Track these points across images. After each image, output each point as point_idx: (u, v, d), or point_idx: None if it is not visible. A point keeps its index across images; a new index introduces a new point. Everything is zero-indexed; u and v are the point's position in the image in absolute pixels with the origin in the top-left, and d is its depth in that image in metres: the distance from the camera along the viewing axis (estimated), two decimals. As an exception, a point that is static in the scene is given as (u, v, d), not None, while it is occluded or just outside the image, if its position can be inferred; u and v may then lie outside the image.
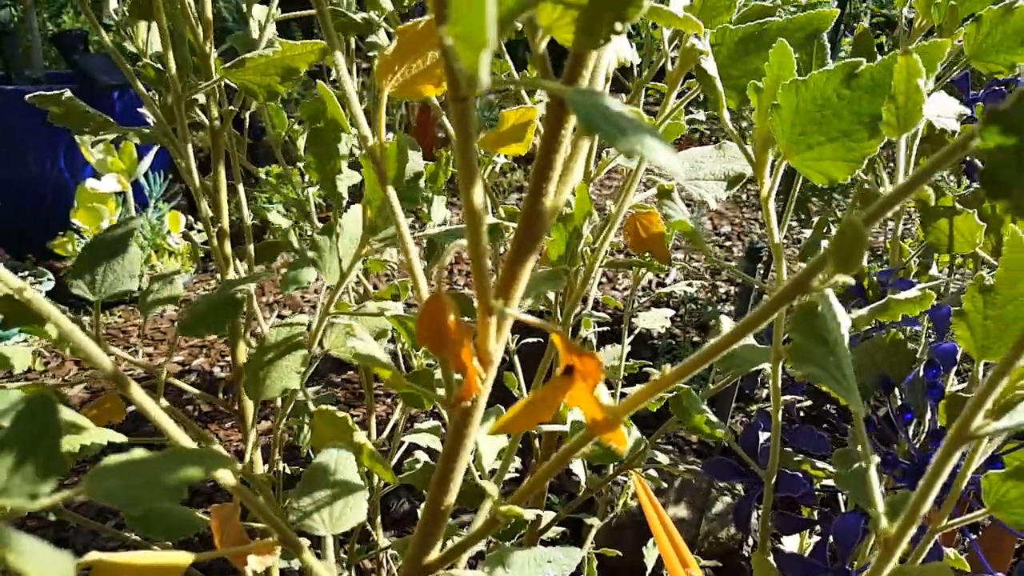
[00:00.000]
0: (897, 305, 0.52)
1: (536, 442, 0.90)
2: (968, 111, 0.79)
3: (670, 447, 1.68)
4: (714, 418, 0.58)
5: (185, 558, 0.38)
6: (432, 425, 0.92)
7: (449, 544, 0.40)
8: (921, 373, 0.64)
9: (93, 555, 0.38)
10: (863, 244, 0.29)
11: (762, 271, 1.60)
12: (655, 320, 1.12)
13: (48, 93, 0.64)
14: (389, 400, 1.92)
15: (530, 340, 1.25)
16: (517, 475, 1.06)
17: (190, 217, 2.63)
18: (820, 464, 0.66)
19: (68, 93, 0.65)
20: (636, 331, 1.13)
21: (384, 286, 1.05)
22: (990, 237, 0.74)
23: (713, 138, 3.60)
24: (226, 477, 0.40)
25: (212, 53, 0.67)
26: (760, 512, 0.62)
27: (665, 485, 1.44)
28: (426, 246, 1.00)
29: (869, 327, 0.75)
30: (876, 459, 0.61)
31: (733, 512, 0.69)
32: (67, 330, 0.37)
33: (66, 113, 0.66)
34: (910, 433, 0.65)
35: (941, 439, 0.61)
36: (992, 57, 0.62)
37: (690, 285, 1.38)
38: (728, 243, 3.16)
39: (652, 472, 1.07)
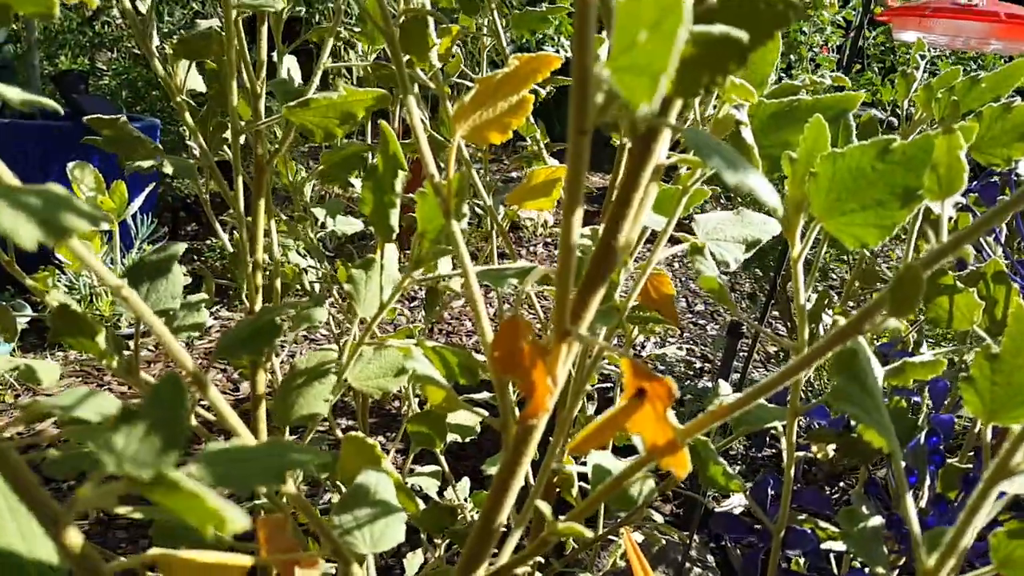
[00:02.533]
0: (912, 369, 0.55)
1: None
2: (963, 200, 0.85)
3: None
4: (730, 470, 0.61)
5: (246, 560, 0.39)
6: (432, 470, 0.93)
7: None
8: (922, 441, 0.67)
9: (156, 551, 0.39)
10: (920, 288, 0.32)
11: (746, 347, 1.64)
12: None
13: (104, 117, 0.67)
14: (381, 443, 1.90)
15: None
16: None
17: (174, 260, 2.62)
18: (824, 524, 0.68)
19: (123, 118, 0.67)
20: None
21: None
22: (985, 316, 0.78)
23: (730, 205, 3.71)
24: (289, 487, 0.41)
25: (263, 94, 0.70)
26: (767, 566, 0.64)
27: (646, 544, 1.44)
28: (425, 294, 1.02)
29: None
30: (880, 520, 0.64)
31: (741, 568, 0.71)
32: (159, 331, 0.39)
33: (117, 138, 0.68)
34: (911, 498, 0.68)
35: (943, 505, 0.64)
36: (991, 150, 0.68)
37: (680, 348, 1.42)
38: (703, 321, 3.22)
39: (637, 536, 1.08)
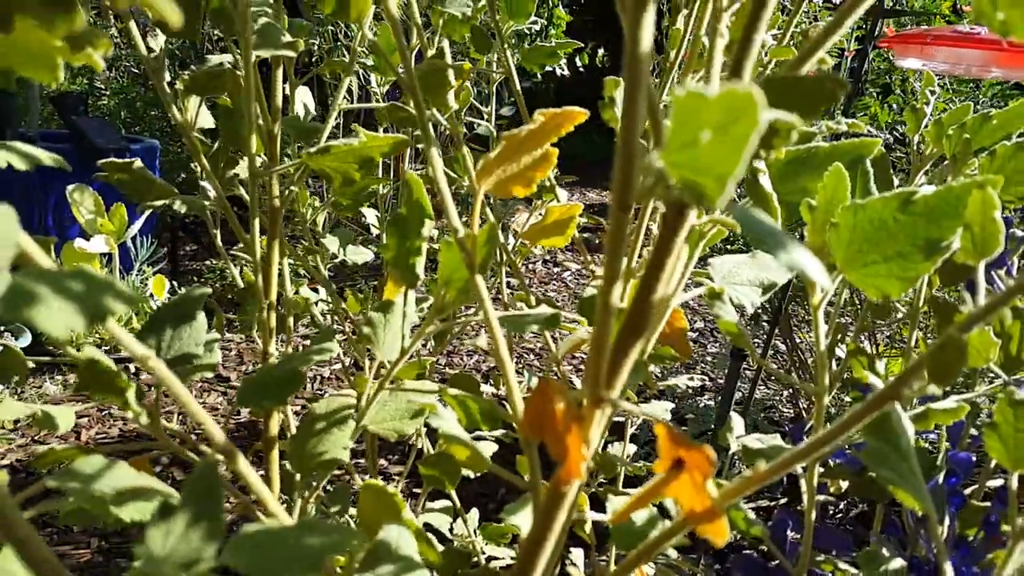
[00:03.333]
0: (935, 415, 0.55)
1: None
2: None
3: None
4: (752, 515, 0.61)
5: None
6: (444, 505, 0.92)
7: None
8: (941, 481, 0.67)
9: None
10: (964, 359, 0.32)
11: (753, 371, 1.64)
12: (656, 412, 1.14)
13: (119, 160, 0.67)
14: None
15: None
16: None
17: (174, 283, 2.61)
18: (843, 565, 0.68)
19: (138, 162, 0.67)
20: (638, 423, 1.15)
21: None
22: (1001, 353, 0.78)
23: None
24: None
25: (279, 136, 0.70)
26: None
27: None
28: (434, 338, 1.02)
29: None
30: (902, 562, 0.64)
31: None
32: (185, 400, 0.38)
33: (132, 181, 0.68)
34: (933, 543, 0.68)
35: (964, 548, 0.64)
36: (1005, 189, 0.68)
37: (691, 378, 1.41)
38: (702, 339, 3.22)
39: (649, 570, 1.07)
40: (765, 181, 0.55)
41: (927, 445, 0.78)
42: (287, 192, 0.71)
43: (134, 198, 0.70)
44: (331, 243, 1.04)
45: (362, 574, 0.49)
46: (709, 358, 2.99)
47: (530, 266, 3.88)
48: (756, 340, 2.70)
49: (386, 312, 0.65)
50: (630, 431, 1.02)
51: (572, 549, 1.08)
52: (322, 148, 0.58)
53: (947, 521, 0.68)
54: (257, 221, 0.65)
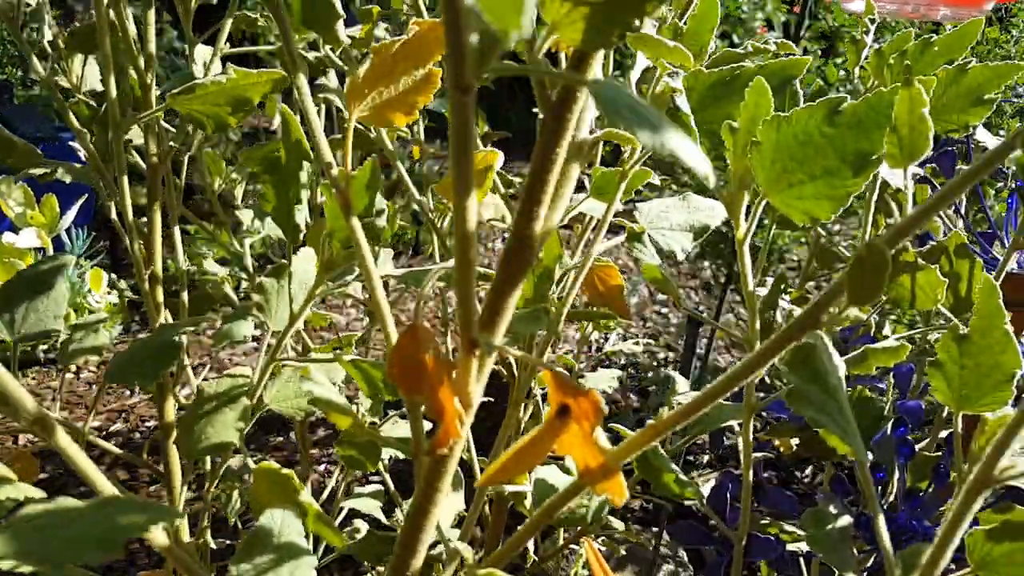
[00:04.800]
0: (874, 356, 0.51)
1: (487, 508, 0.85)
2: (920, 171, 0.80)
3: (612, 515, 1.64)
4: (684, 477, 0.55)
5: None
6: (374, 489, 0.86)
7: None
8: (889, 431, 0.62)
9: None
10: (885, 271, 0.27)
11: (706, 337, 1.60)
12: (602, 381, 1.09)
13: (-31, 119, 0.59)
14: (323, 467, 1.83)
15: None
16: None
17: (113, 275, 2.50)
18: (790, 527, 0.64)
19: (-7, 121, 0.60)
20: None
21: (322, 344, 1.00)
22: (949, 294, 0.74)
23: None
24: (159, 537, 0.35)
25: (153, 85, 0.63)
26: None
27: (613, 552, 1.39)
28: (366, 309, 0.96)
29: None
30: (848, 520, 0.59)
31: (685, 563, 0.66)
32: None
33: (-10, 142, 0.61)
34: (881, 494, 0.63)
35: (915, 501, 0.60)
36: (946, 116, 0.63)
37: (636, 343, 1.37)
38: (665, 310, 3.19)
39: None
40: (682, 101, 0.50)
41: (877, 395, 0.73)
42: (169, 148, 0.63)
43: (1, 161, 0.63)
44: (245, 215, 0.97)
45: (237, 564, 0.43)
46: (672, 329, 2.97)
47: (489, 245, 3.81)
48: (709, 309, 2.68)
49: (279, 277, 0.59)
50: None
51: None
52: (187, 88, 0.51)
53: (896, 473, 0.63)
54: (125, 179, 0.58)
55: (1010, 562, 0.48)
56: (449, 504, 0.58)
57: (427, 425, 0.50)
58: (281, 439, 1.97)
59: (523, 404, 0.64)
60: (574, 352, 2.28)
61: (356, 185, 0.45)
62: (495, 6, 0.16)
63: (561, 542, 0.95)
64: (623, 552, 1.39)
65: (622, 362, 2.33)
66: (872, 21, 0.75)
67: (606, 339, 2.45)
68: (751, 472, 0.56)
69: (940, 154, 0.76)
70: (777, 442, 0.72)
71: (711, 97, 0.52)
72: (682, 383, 0.83)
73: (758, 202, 0.45)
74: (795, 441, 0.73)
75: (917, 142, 0.37)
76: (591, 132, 0.36)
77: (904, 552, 0.36)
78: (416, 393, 0.32)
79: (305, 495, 0.52)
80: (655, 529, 1.66)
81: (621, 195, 0.56)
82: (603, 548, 1.17)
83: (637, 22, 0.25)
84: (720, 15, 0.65)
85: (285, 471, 0.53)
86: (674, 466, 0.56)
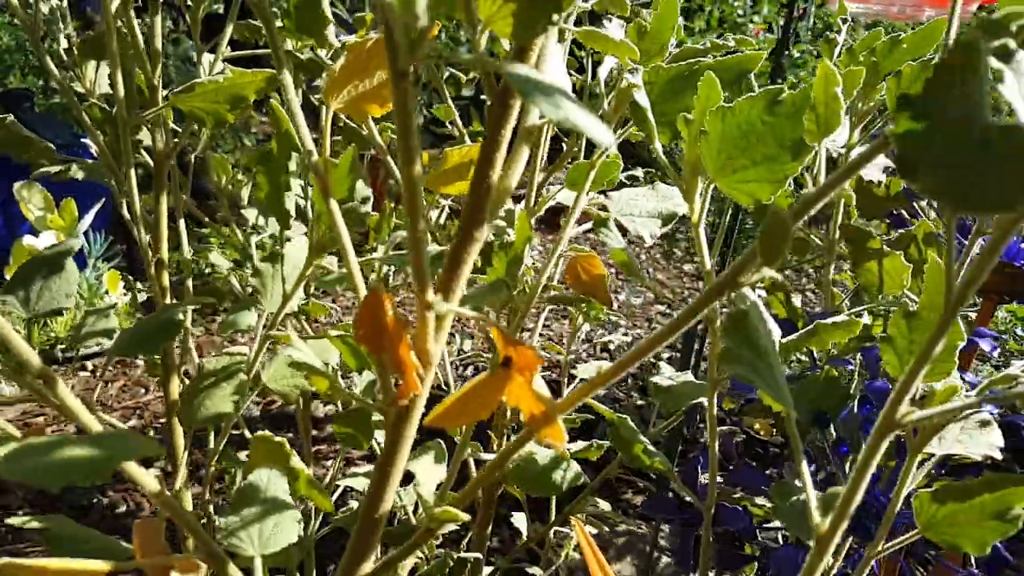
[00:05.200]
0: (825, 330, 0.54)
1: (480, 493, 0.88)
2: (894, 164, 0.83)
3: (612, 505, 1.67)
4: (652, 448, 0.59)
5: (102, 566, 0.37)
6: (369, 470, 0.90)
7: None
8: (855, 409, 0.65)
9: (3, 560, 0.36)
10: (788, 234, 0.30)
11: (701, 330, 1.62)
12: (591, 371, 1.13)
13: (-11, 117, 0.64)
14: (329, 463, 1.87)
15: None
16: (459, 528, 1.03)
17: (130, 277, 2.57)
18: (761, 500, 0.67)
19: (11, 117, 0.65)
20: (577, 381, 1.13)
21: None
22: (917, 280, 0.77)
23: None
24: (151, 484, 0.39)
25: (160, 86, 0.67)
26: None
27: (611, 537, 1.42)
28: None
29: (808, 369, 0.77)
30: (810, 486, 0.62)
31: (675, 549, 0.69)
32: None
33: (6, 138, 0.65)
34: (847, 467, 0.66)
35: (875, 475, 0.63)
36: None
37: (626, 335, 1.40)
38: (670, 311, 3.22)
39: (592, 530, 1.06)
40: (641, 96, 0.53)
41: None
42: (174, 144, 0.68)
43: (13, 156, 0.67)
44: (250, 213, 1.01)
45: (227, 516, 0.47)
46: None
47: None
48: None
49: (275, 262, 0.63)
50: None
51: (514, 513, 1.06)
52: (187, 87, 0.55)
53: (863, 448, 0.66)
54: (133, 172, 0.62)
55: (952, 522, 0.51)
56: (430, 473, 0.62)
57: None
58: (291, 435, 2.02)
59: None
60: (577, 350, 2.31)
61: (337, 173, 0.49)
62: (397, 2, 0.20)
63: (554, 518, 0.98)
64: (619, 544, 1.42)
65: (617, 350, 2.36)
66: (844, 21, 0.78)
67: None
68: (717, 445, 0.59)
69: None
70: (757, 426, 0.75)
71: (670, 91, 0.56)
72: (665, 368, 0.86)
73: (707, 186, 0.49)
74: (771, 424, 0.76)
75: (831, 119, 0.40)
76: (541, 118, 0.40)
77: (822, 495, 0.40)
78: (380, 351, 0.36)
79: (296, 461, 0.56)
80: (654, 523, 1.68)
81: (590, 185, 0.59)
82: (594, 531, 1.20)
83: (556, 16, 0.28)
84: (716, 18, 0.68)
85: (278, 439, 0.57)
86: (643, 438, 0.59)
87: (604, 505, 0.90)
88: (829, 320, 0.53)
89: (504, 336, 0.34)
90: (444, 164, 0.74)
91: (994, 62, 0.26)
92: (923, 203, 0.83)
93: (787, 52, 1.17)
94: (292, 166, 0.53)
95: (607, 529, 1.37)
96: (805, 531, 0.60)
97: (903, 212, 0.81)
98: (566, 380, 1.02)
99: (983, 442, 0.55)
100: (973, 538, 0.49)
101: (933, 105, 0.26)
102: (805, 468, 0.39)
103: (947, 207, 0.28)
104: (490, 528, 0.89)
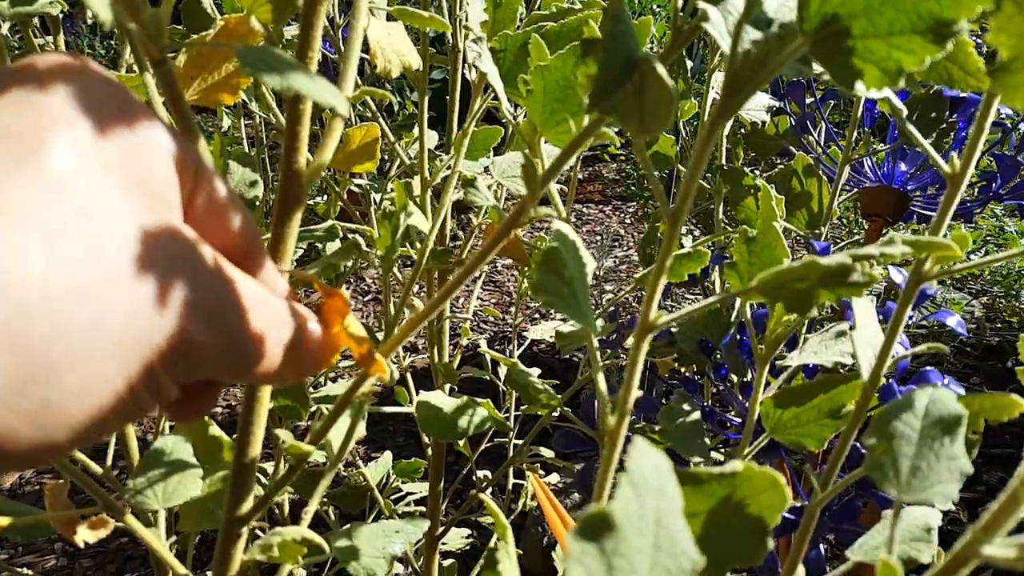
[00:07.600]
0: (679, 262, 0.58)
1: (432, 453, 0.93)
2: (779, 103, 0.88)
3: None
4: (540, 385, 0.64)
5: (1, 521, 0.42)
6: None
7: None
8: (734, 334, 0.70)
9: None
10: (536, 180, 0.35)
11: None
12: (544, 332, 1.18)
13: None
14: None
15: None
16: (417, 495, 1.08)
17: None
18: (658, 428, 0.72)
19: None
20: (526, 343, 1.18)
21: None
22: (804, 211, 0.82)
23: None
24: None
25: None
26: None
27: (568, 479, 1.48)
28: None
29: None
30: (697, 415, 0.67)
31: (578, 479, 0.74)
32: None
33: None
34: (731, 389, 0.71)
35: (750, 389, 0.68)
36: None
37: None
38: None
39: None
40: (485, 63, 0.58)
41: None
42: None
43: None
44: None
45: (134, 478, 0.52)
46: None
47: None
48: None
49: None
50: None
51: (478, 471, 1.11)
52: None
53: (749, 372, 0.71)
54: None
55: (797, 423, 0.56)
56: (336, 433, 0.67)
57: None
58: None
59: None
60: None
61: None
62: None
63: (509, 463, 1.03)
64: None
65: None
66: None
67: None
68: (602, 379, 0.64)
69: (791, 85, 0.83)
70: (657, 362, 0.80)
71: (522, 56, 0.60)
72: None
73: (538, 136, 0.53)
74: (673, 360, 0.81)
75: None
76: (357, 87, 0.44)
77: (613, 397, 0.44)
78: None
79: (215, 429, 0.61)
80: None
81: (464, 153, 0.64)
82: (552, 484, 1.26)
83: (300, 1, 0.33)
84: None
85: (210, 422, 0.62)
86: (533, 378, 0.64)
87: (547, 453, 0.95)
88: (681, 251, 0.58)
89: (321, 285, 0.39)
90: (348, 145, 0.79)
91: (701, 3, 0.31)
92: (810, 137, 0.87)
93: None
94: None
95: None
96: (692, 449, 0.65)
97: (791, 148, 0.85)
98: (515, 342, 1.07)
99: (836, 351, 0.60)
100: (814, 435, 0.54)
101: (606, 45, 0.31)
102: (601, 379, 0.44)
103: (626, 129, 0.33)
104: (443, 483, 0.94)
